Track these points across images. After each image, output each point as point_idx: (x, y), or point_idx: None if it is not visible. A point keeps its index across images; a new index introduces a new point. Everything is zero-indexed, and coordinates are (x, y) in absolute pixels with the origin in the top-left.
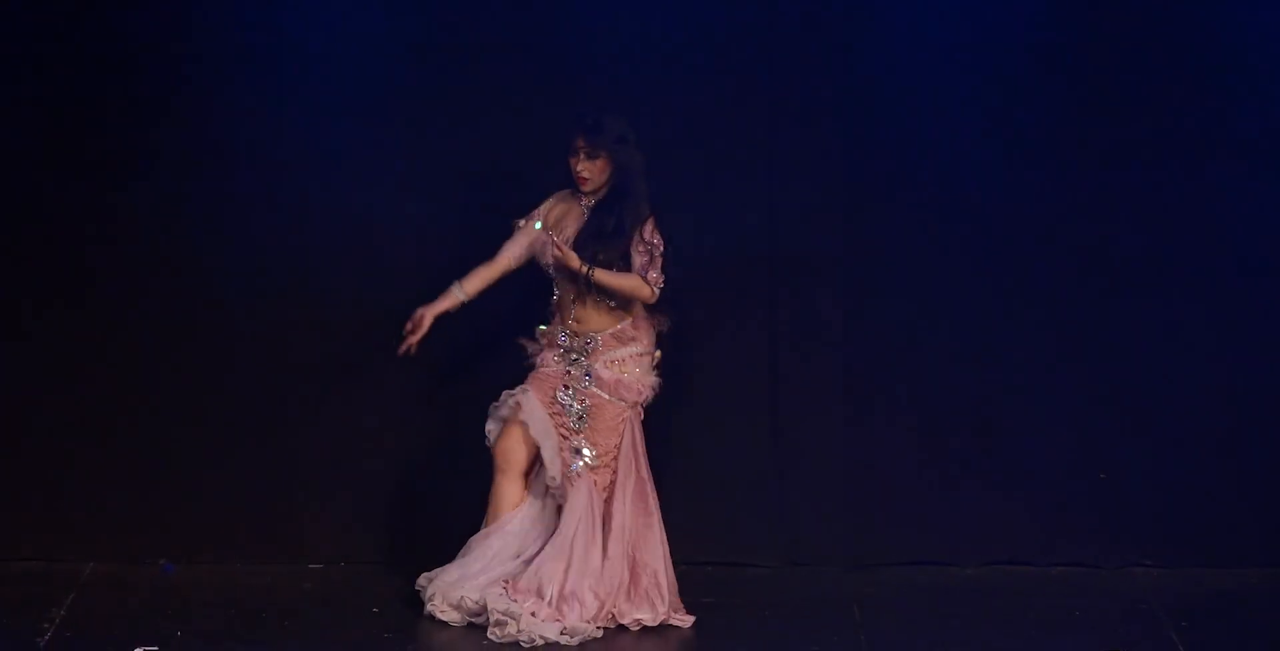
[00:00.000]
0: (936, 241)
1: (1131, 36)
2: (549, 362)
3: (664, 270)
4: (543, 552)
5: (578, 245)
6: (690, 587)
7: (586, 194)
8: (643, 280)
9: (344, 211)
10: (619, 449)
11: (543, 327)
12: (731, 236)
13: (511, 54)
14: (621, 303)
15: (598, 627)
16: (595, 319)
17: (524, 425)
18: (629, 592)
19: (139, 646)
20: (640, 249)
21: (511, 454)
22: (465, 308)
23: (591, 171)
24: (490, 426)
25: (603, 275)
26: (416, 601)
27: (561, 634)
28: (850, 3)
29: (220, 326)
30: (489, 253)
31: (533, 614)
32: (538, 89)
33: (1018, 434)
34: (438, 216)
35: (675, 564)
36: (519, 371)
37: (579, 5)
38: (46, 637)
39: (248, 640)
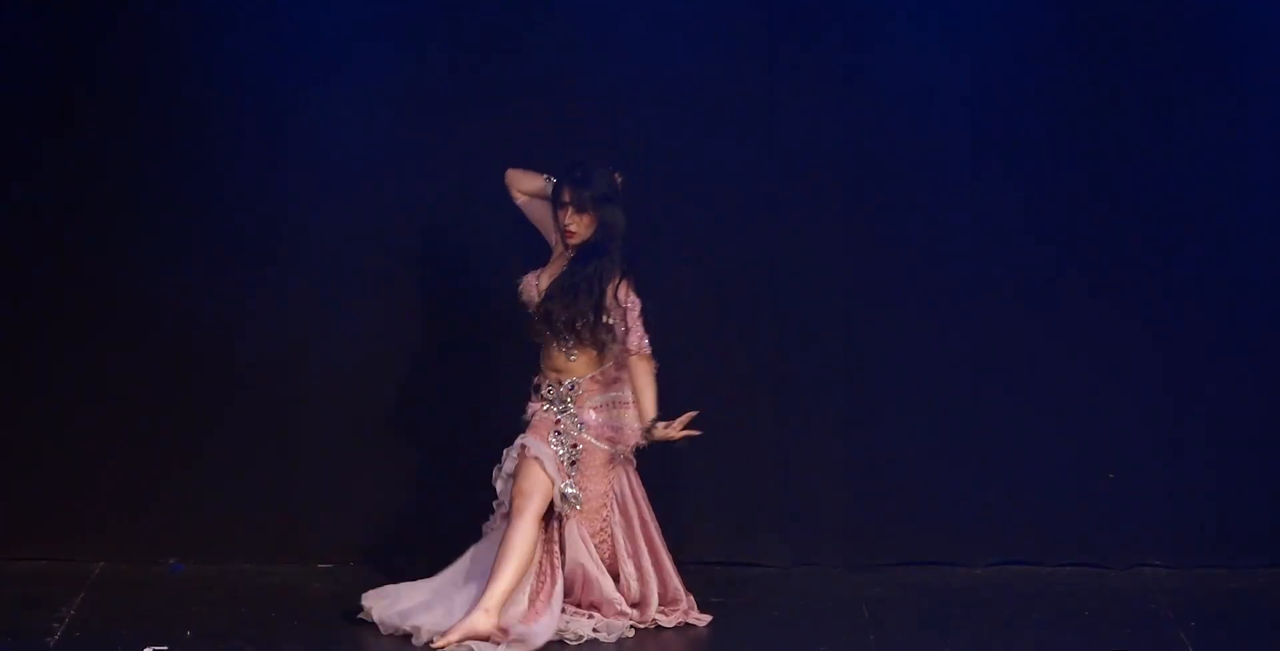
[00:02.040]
0: (943, 240)
1: (1144, 33)
2: (539, 413)
3: (646, 328)
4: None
5: (548, 296)
6: (699, 587)
7: (571, 246)
8: (637, 355)
9: (353, 211)
10: (608, 497)
11: (535, 383)
12: (734, 233)
13: (510, 47)
14: (597, 348)
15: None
16: (573, 365)
17: (538, 463)
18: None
19: (148, 646)
20: (616, 314)
21: (524, 495)
22: (470, 311)
23: (579, 225)
24: (501, 486)
25: (647, 405)
26: None
27: (594, 631)
28: None
29: (230, 327)
30: (494, 249)
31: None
32: (538, 83)
33: (1026, 434)
34: (447, 212)
35: (683, 564)
36: (524, 374)
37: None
38: (56, 637)
39: (256, 640)
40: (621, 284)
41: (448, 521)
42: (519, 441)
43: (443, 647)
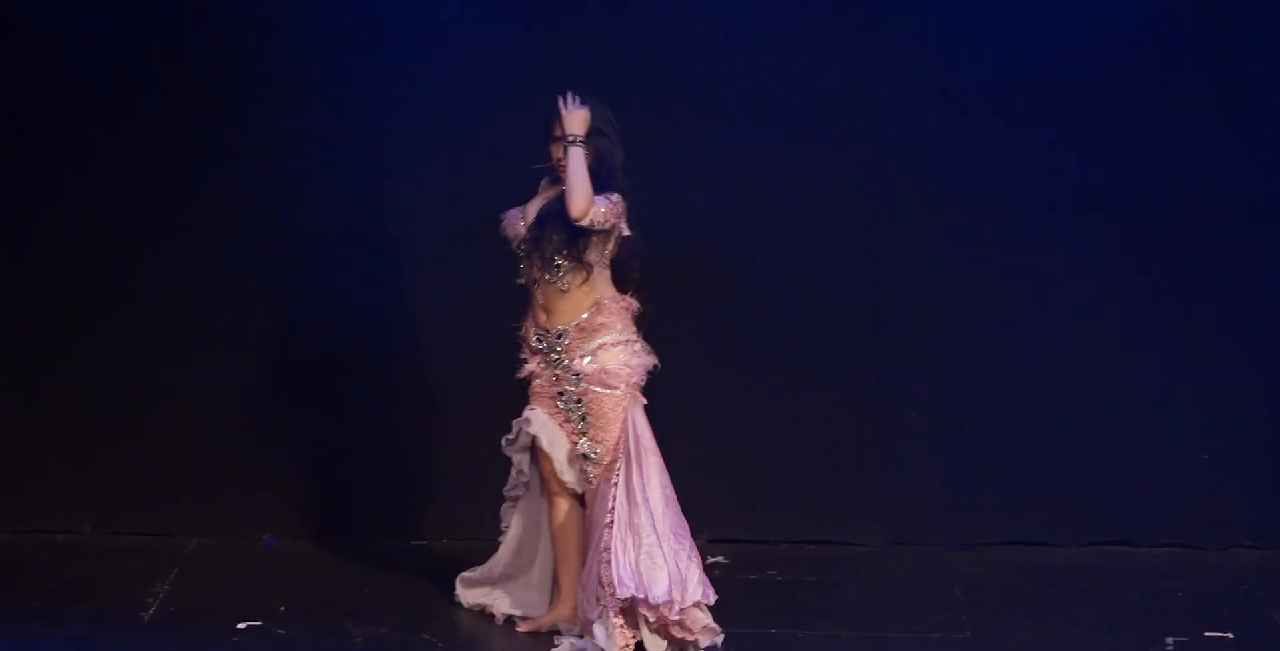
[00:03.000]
0: (1038, 231)
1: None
2: (538, 373)
3: (621, 245)
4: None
5: (539, 220)
6: (792, 566)
7: (561, 179)
8: (589, 194)
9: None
10: (621, 441)
11: (521, 333)
12: (833, 217)
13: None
14: (580, 284)
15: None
16: (560, 310)
17: (537, 441)
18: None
19: (242, 621)
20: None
21: (555, 476)
22: None
23: None
24: (516, 457)
25: (577, 156)
26: None
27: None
28: None
29: (335, 309)
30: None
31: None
32: (627, 81)
33: (1122, 415)
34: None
35: (777, 541)
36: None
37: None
38: (150, 611)
39: (350, 615)
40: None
41: None
42: (526, 414)
43: (527, 632)
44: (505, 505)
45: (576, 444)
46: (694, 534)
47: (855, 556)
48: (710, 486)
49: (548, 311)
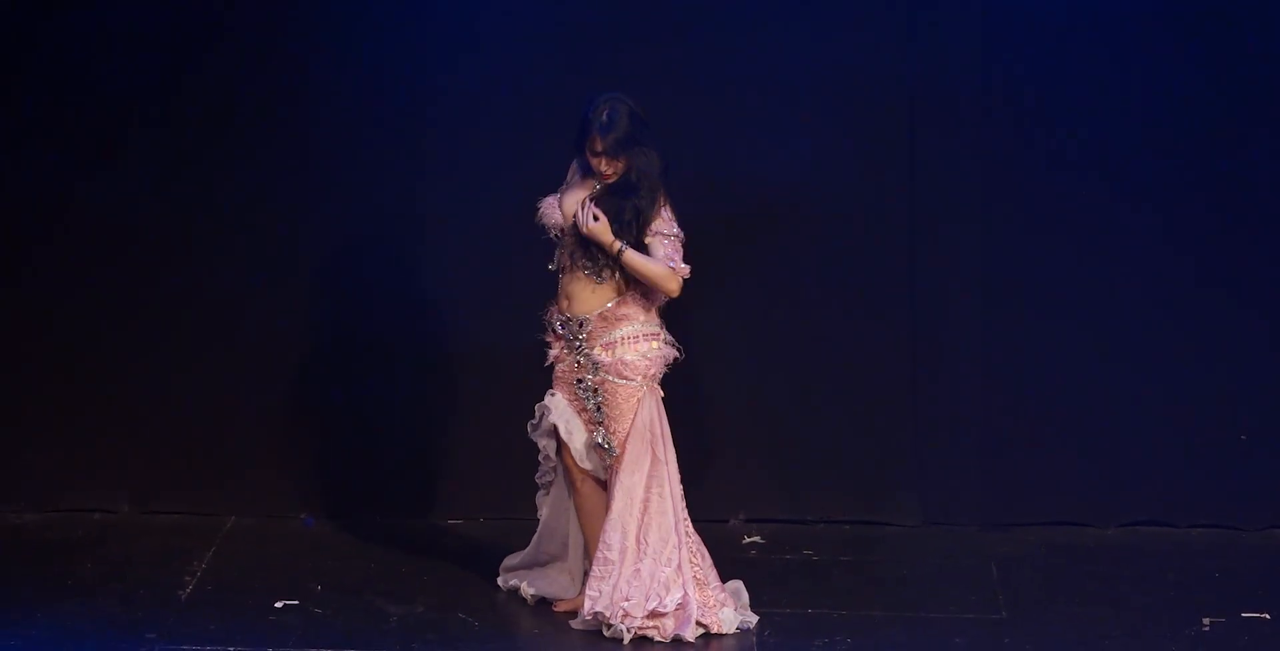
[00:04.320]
0: (1076, 216)
1: None
2: (561, 358)
3: (687, 259)
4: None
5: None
6: (827, 545)
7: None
8: (671, 270)
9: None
10: (652, 435)
11: (546, 317)
12: (871, 201)
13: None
14: (618, 280)
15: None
16: (583, 298)
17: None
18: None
19: (279, 600)
20: (660, 239)
21: (575, 458)
22: None
23: (614, 168)
24: (542, 443)
25: (633, 257)
26: None
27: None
28: None
29: (369, 292)
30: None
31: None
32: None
33: (1159, 394)
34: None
35: (813, 521)
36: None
37: None
38: (188, 590)
39: (387, 594)
40: (663, 211)
41: None
42: (546, 400)
43: (563, 611)
44: (539, 493)
45: (594, 433)
46: (730, 513)
47: (891, 536)
48: (746, 466)
49: (570, 298)
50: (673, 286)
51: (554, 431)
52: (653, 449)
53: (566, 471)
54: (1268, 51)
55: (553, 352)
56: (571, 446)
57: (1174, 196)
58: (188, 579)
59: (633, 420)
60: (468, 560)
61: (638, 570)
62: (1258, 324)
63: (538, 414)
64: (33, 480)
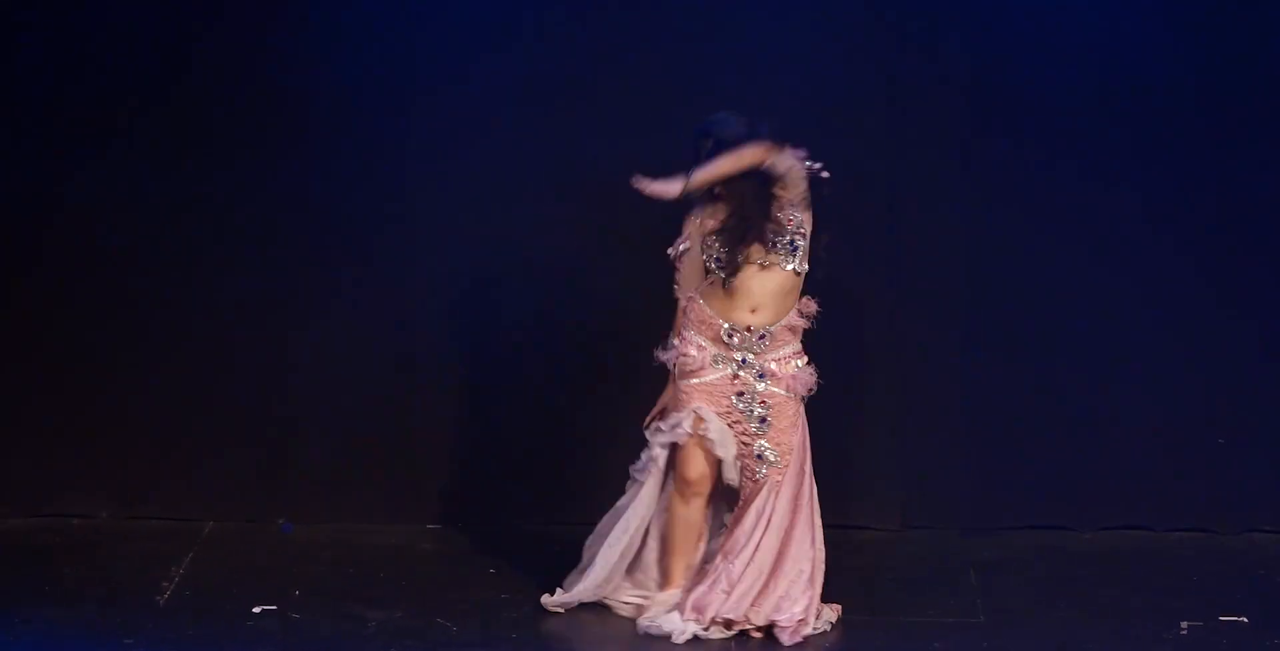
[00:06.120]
0: (1055, 216)
1: None
2: (707, 367)
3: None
4: (729, 554)
5: (739, 204)
6: None
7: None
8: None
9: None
10: (802, 449)
11: (693, 327)
12: (853, 193)
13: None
14: (801, 263)
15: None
16: (770, 306)
17: (705, 442)
18: (763, 593)
19: (257, 605)
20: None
21: (705, 478)
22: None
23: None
24: (657, 451)
25: (703, 173)
26: (534, 562)
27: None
28: None
29: (338, 294)
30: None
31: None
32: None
33: (1137, 399)
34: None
35: None
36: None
37: None
38: (166, 595)
39: (365, 599)
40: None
41: (561, 483)
42: (694, 410)
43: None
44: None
45: (752, 446)
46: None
47: (871, 540)
48: None
49: (755, 308)
50: (754, 153)
51: (674, 442)
52: (805, 463)
53: (677, 480)
54: (1267, 51)
55: (693, 363)
56: (726, 459)
57: (1153, 200)
58: (166, 584)
59: (797, 434)
60: (447, 566)
61: (774, 580)
62: (1235, 329)
63: (675, 421)
64: (12, 485)
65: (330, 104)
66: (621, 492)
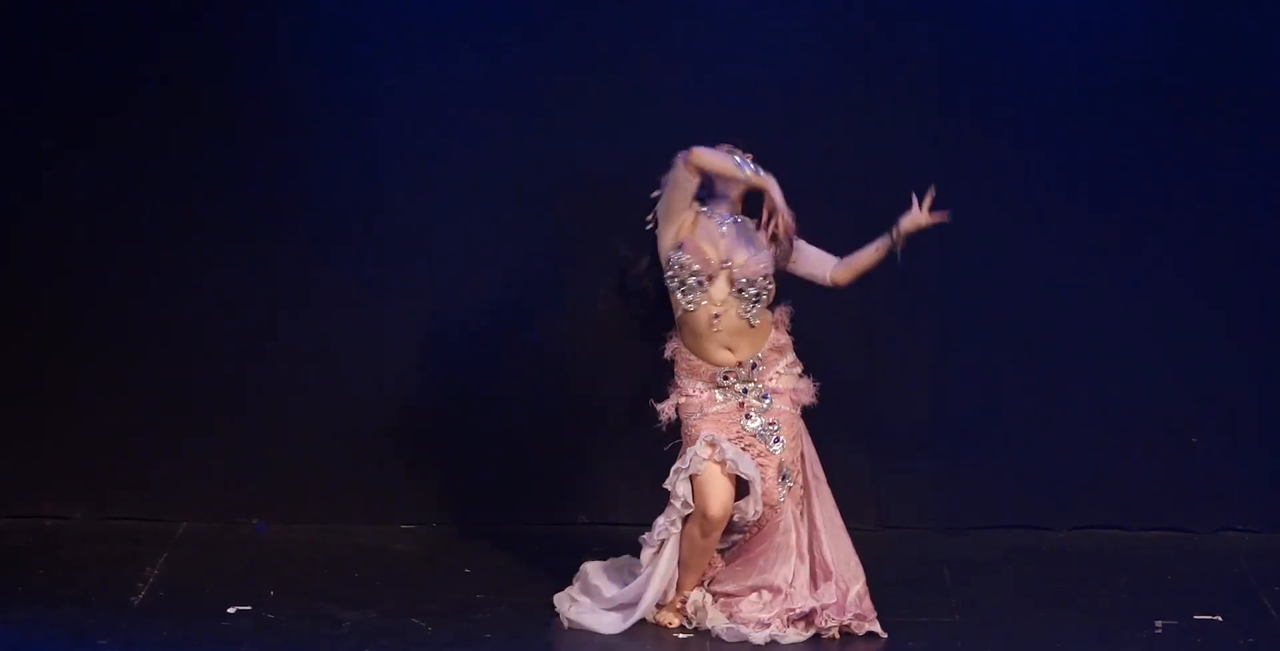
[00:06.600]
0: (1029, 212)
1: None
2: (710, 402)
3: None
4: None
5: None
6: None
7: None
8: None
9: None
10: (804, 458)
11: (683, 374)
12: (827, 198)
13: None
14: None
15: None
16: (749, 343)
17: (725, 466)
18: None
19: (231, 605)
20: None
21: (726, 513)
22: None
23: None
24: (681, 489)
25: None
26: (509, 562)
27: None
28: None
29: (320, 292)
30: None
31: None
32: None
33: (1111, 398)
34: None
35: None
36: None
37: None
38: (140, 596)
39: (339, 599)
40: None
41: (527, 483)
42: (709, 440)
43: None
44: (647, 549)
45: (767, 468)
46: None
47: None
48: None
49: (734, 348)
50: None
51: (696, 474)
52: (814, 471)
53: (702, 522)
54: (1251, 45)
55: (694, 403)
56: (754, 487)
57: (1132, 201)
58: (140, 585)
59: (800, 446)
60: (421, 566)
61: (841, 582)
62: (1211, 329)
63: (691, 457)
64: None
65: (307, 104)
66: (595, 492)
